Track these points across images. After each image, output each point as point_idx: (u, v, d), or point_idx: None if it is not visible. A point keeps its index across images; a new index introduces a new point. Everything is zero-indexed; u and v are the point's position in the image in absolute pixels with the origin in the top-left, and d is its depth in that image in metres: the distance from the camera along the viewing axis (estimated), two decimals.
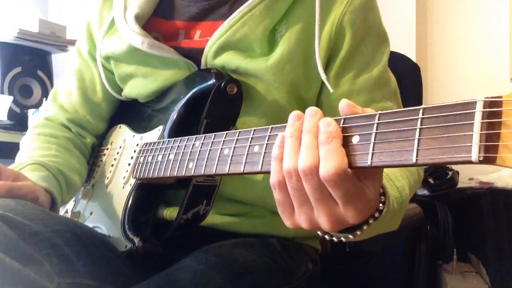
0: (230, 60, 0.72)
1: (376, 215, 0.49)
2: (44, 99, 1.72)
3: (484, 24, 2.34)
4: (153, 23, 0.82)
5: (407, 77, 1.16)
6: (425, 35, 2.45)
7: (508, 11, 2.27)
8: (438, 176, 1.90)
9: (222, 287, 0.62)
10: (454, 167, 1.93)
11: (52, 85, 1.81)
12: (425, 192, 1.86)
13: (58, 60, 1.96)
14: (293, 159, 0.44)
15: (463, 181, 1.99)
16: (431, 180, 1.88)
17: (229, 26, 0.71)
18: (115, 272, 0.66)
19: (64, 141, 0.87)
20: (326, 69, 0.73)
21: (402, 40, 2.24)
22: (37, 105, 1.70)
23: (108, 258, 0.67)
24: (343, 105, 0.45)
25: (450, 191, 1.85)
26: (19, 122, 1.60)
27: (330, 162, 0.41)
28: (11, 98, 1.61)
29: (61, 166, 0.80)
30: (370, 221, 0.49)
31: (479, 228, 1.78)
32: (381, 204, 0.49)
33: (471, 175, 2.13)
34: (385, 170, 0.59)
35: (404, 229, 1.02)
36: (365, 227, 0.49)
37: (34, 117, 1.61)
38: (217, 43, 0.72)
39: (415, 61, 1.23)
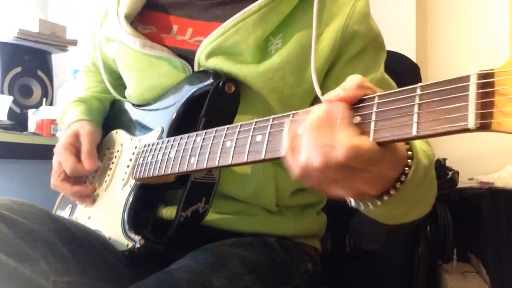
0: (221, 65, 0.73)
1: (406, 170, 0.47)
2: (44, 99, 1.71)
3: (484, 24, 2.33)
4: (147, 15, 0.83)
5: (407, 77, 1.17)
6: (425, 35, 2.44)
7: (508, 11, 2.27)
8: (438, 176, 1.88)
9: (220, 286, 0.62)
10: (454, 167, 1.93)
11: (52, 85, 1.80)
12: None
13: (58, 60, 1.96)
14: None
15: (463, 181, 1.99)
16: None
17: (222, 32, 0.72)
18: (111, 271, 0.66)
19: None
20: (327, 74, 0.75)
21: (402, 40, 2.24)
22: (37, 105, 1.69)
23: (105, 257, 0.68)
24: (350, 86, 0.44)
25: (450, 191, 1.84)
26: (19, 122, 1.59)
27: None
28: (11, 98, 1.60)
29: (98, 93, 0.96)
30: (407, 171, 0.47)
31: (479, 228, 1.78)
32: (409, 160, 0.48)
33: (471, 175, 2.12)
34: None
35: (404, 229, 1.02)
36: (402, 178, 0.47)
37: (34, 117, 1.60)
38: (209, 47, 0.73)
39: (415, 61, 1.23)
